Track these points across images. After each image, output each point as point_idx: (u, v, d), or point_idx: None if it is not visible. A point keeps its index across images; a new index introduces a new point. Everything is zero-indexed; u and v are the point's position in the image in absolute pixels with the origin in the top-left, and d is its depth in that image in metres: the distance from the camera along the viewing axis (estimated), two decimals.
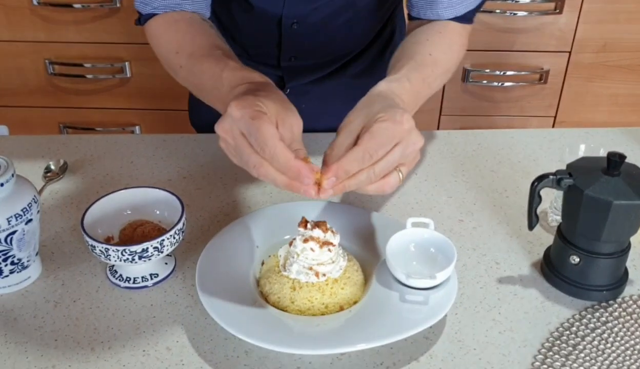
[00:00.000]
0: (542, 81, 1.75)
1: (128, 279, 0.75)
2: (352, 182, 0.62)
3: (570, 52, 1.71)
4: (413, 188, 0.94)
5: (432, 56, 0.79)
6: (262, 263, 0.76)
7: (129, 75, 1.74)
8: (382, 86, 0.72)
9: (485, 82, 1.76)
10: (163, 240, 0.71)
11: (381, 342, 0.64)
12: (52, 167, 0.96)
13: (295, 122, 0.65)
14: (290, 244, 0.71)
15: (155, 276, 0.76)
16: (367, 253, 0.76)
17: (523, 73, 1.75)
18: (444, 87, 1.76)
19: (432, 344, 0.68)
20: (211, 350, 0.68)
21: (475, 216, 0.88)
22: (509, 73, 1.74)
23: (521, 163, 0.99)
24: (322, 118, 1.08)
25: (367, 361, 0.66)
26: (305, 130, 1.07)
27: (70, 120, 1.83)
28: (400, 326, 0.65)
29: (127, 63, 1.73)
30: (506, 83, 1.76)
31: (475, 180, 0.96)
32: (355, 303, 0.70)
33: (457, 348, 0.68)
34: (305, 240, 0.69)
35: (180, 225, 0.73)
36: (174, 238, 0.73)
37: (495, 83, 1.76)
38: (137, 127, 1.83)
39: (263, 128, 0.60)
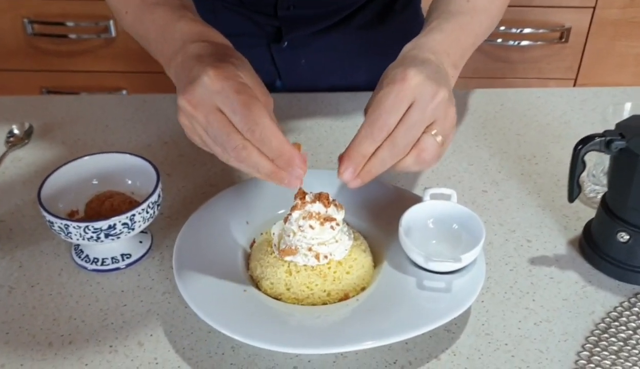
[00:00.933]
0: (563, 40, 1.61)
1: (96, 260, 0.64)
2: (375, 162, 0.53)
3: (594, 8, 1.57)
4: None
5: (470, 3, 0.67)
6: (253, 243, 0.64)
7: (114, 34, 1.61)
8: (408, 46, 0.61)
9: (500, 40, 1.62)
10: (134, 214, 0.60)
11: (394, 338, 0.53)
12: (16, 132, 0.85)
13: (269, 100, 0.55)
14: (286, 220, 0.59)
15: (127, 257, 0.65)
16: (377, 230, 0.64)
17: (542, 31, 1.61)
18: None
19: (455, 339, 0.57)
20: (191, 346, 0.57)
21: (500, 186, 0.76)
22: (526, 31, 1.61)
23: (551, 126, 0.87)
24: (324, 75, 0.96)
25: (377, 360, 0.55)
26: (305, 89, 0.96)
27: (52, 84, 1.70)
28: (418, 318, 0.54)
29: (111, 21, 1.59)
30: (523, 42, 1.62)
31: (499, 145, 0.84)
32: (362, 290, 0.59)
33: (484, 343, 0.57)
34: (304, 216, 0.58)
35: (154, 197, 0.62)
36: (147, 212, 0.61)
37: (511, 42, 1.62)
38: (124, 91, 1.70)
39: (253, 106, 0.51)
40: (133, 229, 0.61)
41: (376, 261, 0.62)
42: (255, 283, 0.60)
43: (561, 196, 0.74)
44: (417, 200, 0.63)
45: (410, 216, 0.60)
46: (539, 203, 0.74)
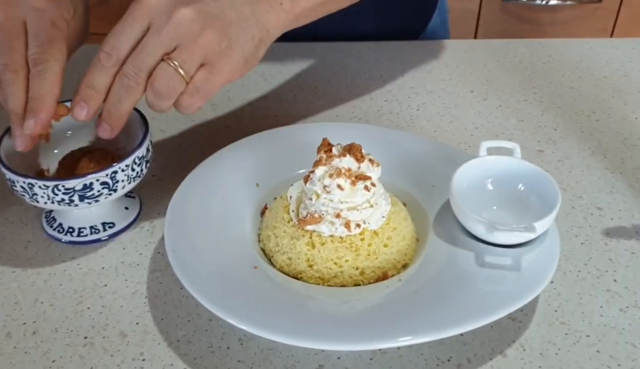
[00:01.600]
0: None
1: (71, 230, 0.52)
2: (112, 98, 0.45)
3: None
4: (470, 109, 0.69)
5: None
6: (265, 209, 0.52)
7: None
8: None
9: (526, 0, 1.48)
10: (115, 171, 0.48)
11: (448, 331, 0.40)
12: None
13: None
14: (307, 180, 0.47)
15: (110, 226, 0.53)
16: (421, 193, 0.52)
17: None
18: (479, 6, 1.49)
19: (523, 329, 0.45)
20: (187, 338, 0.45)
21: (558, 145, 0.64)
22: None
23: (608, 79, 0.75)
24: (326, 22, 0.82)
25: (426, 357, 0.43)
26: (303, 38, 0.82)
27: None
28: (478, 304, 0.42)
29: None
30: (552, 2, 1.49)
31: (551, 99, 0.71)
32: (404, 267, 0.47)
33: (560, 335, 0.45)
34: (330, 174, 0.46)
35: (141, 151, 0.49)
36: (133, 170, 0.49)
37: (539, 2, 1.49)
38: None
39: (58, 42, 0.47)
40: (115, 191, 0.48)
41: (420, 232, 0.49)
42: (268, 259, 0.48)
43: (631, 157, 0.62)
44: (469, 156, 0.51)
45: (464, 176, 0.48)
46: (606, 164, 0.61)
